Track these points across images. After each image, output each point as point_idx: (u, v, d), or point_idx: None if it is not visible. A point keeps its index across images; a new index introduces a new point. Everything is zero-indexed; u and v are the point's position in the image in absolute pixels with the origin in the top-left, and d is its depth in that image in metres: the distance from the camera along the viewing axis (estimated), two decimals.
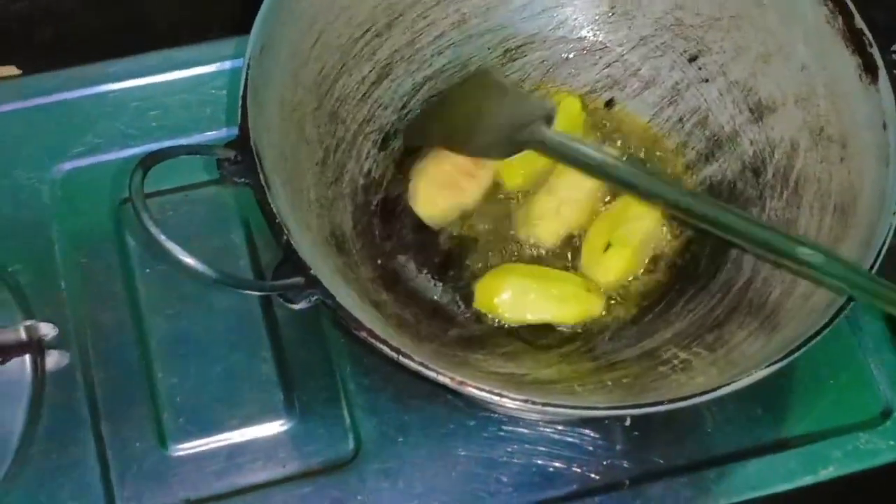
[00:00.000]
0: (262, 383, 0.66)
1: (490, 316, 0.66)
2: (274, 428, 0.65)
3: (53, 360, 0.65)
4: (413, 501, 0.64)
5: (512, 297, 0.66)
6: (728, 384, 0.55)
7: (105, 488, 0.63)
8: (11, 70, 0.81)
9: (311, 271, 0.56)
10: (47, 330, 0.66)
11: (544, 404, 0.55)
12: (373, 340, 0.55)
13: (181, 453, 0.64)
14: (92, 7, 0.82)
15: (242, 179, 0.58)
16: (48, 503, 0.63)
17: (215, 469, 0.64)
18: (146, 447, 0.64)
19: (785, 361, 0.56)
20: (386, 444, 0.65)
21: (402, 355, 0.55)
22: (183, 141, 0.71)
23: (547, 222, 0.68)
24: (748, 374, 0.56)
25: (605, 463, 0.66)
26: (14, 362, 0.64)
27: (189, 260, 0.52)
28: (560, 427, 0.66)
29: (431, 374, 0.55)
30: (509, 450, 0.66)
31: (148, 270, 0.68)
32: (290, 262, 0.56)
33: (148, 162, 0.54)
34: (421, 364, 0.55)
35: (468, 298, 0.67)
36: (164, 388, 0.66)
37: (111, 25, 0.84)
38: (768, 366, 0.56)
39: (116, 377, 0.66)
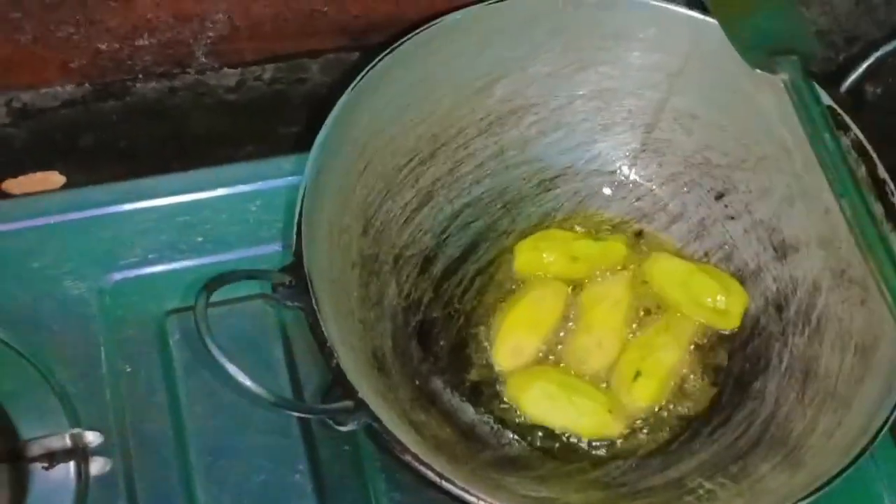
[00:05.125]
0: (297, 497, 0.68)
1: (513, 406, 0.69)
2: None
3: (97, 466, 0.67)
4: None
5: (535, 397, 0.69)
6: None
7: None
8: (54, 175, 0.84)
9: (360, 395, 0.58)
10: (92, 437, 0.67)
11: None
12: (416, 464, 0.58)
13: None
14: (136, 118, 0.85)
15: (296, 303, 0.61)
16: None
17: None
18: None
19: (811, 498, 0.59)
20: None
21: (446, 480, 0.57)
22: (229, 256, 0.74)
23: (592, 360, 0.71)
24: None
25: None
26: (60, 468, 0.66)
27: (249, 383, 0.55)
28: None
29: (473, 500, 0.57)
30: None
31: (191, 381, 0.70)
32: (340, 385, 0.59)
33: (212, 286, 0.56)
34: (463, 489, 0.57)
35: (502, 421, 0.69)
36: (203, 499, 0.67)
37: (152, 136, 0.87)
38: (799, 499, 0.58)
39: (157, 485, 0.67)
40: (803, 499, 0.59)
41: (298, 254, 0.61)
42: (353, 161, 0.67)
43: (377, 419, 0.58)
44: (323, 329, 0.59)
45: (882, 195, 0.67)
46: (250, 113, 0.88)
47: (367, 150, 0.68)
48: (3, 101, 0.82)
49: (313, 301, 0.60)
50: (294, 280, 0.61)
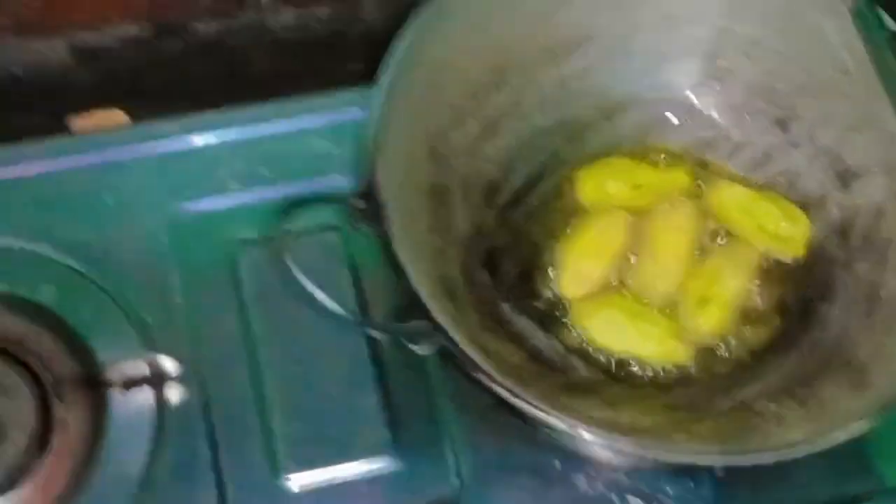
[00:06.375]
0: (369, 421, 0.69)
1: (578, 331, 0.70)
2: (381, 464, 0.68)
3: (175, 394, 0.68)
4: None
5: (601, 324, 0.70)
6: (830, 435, 0.58)
7: None
8: (118, 114, 0.85)
9: (434, 316, 0.59)
10: (169, 364, 0.69)
11: (655, 449, 0.58)
12: (490, 383, 0.59)
13: (294, 487, 0.67)
14: (196, 57, 0.86)
15: (370, 225, 0.62)
16: None
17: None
18: (262, 480, 0.67)
19: (882, 414, 0.59)
20: (488, 484, 0.68)
21: (518, 397, 0.59)
22: (296, 188, 0.74)
23: (657, 287, 0.72)
24: (848, 427, 0.59)
25: None
26: (138, 393, 0.68)
27: (328, 301, 0.56)
28: (650, 476, 0.69)
29: (542, 416, 0.58)
30: (603, 493, 0.68)
31: (262, 311, 0.71)
32: (414, 307, 0.60)
33: (291, 210, 0.58)
34: (537, 407, 0.58)
35: (568, 347, 0.70)
36: (277, 423, 0.68)
37: (212, 75, 0.88)
38: (867, 418, 0.59)
39: (233, 411, 0.69)
40: (872, 417, 0.59)
41: (373, 180, 0.62)
42: (421, 91, 0.68)
43: (451, 339, 0.59)
44: (398, 253, 0.60)
45: None
46: (309, 51, 0.89)
47: (434, 79, 0.69)
48: (66, 40, 0.84)
49: (388, 225, 0.61)
50: (368, 205, 0.62)
